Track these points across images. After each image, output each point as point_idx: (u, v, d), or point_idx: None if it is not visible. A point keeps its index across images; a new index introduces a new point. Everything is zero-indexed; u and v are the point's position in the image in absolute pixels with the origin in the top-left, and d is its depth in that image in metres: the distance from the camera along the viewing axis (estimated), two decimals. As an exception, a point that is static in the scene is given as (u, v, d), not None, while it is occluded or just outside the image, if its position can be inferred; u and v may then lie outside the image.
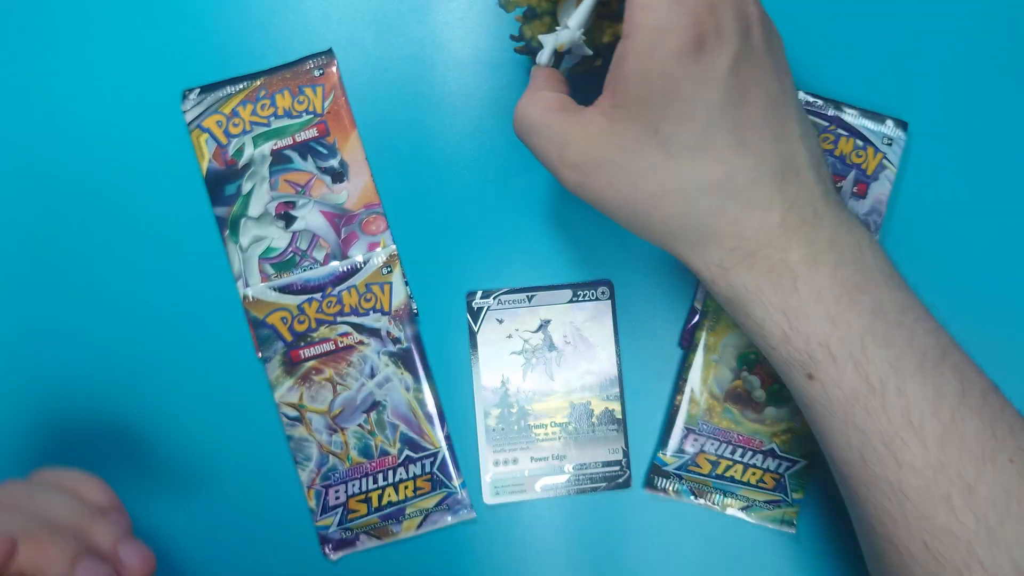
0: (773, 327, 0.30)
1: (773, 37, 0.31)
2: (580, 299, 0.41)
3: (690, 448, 0.40)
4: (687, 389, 0.40)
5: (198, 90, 0.42)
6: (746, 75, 0.29)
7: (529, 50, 0.37)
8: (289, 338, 0.41)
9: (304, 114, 0.42)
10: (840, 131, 0.41)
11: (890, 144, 0.41)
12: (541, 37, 0.34)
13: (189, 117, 0.42)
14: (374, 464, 0.40)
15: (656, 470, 0.40)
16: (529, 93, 0.33)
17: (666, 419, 0.41)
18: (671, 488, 0.40)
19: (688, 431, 0.40)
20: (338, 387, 0.40)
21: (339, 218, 0.41)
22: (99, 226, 0.41)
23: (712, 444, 0.40)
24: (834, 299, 0.29)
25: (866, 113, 0.41)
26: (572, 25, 0.33)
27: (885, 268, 0.30)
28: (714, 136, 0.29)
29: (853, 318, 0.29)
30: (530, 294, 0.41)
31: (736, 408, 0.40)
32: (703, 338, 0.40)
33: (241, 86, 0.42)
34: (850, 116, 0.41)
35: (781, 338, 0.30)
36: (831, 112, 0.41)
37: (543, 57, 0.35)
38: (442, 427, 0.41)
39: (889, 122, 0.41)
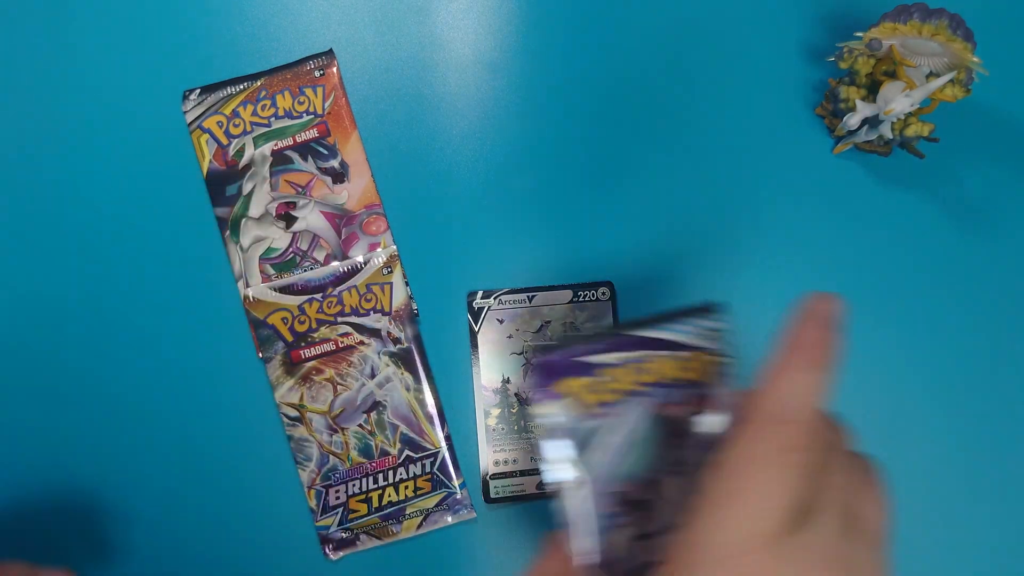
0: None
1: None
2: (581, 300, 0.41)
3: None
4: None
5: (199, 91, 0.42)
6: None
7: (835, 111, 0.41)
8: (290, 338, 0.41)
9: (305, 115, 0.42)
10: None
11: None
12: (858, 102, 0.39)
13: (190, 117, 0.42)
14: (374, 464, 0.40)
15: None
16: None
17: None
18: None
19: None
20: (338, 387, 0.40)
21: (340, 218, 0.41)
22: (100, 226, 0.41)
23: None
24: None
25: None
26: (897, 109, 0.37)
27: None
28: None
29: None
30: (531, 294, 0.41)
31: None
32: None
33: (242, 87, 0.42)
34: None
35: None
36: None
37: (852, 120, 0.39)
38: (442, 427, 0.41)
39: None
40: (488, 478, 0.40)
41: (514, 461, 0.41)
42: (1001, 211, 0.43)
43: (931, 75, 0.39)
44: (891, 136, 0.40)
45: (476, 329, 0.41)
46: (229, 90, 0.42)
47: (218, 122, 0.41)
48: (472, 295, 0.41)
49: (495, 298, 0.41)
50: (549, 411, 0.26)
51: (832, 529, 0.24)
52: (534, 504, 0.41)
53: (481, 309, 0.41)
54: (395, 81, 0.43)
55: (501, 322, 0.41)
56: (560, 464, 0.26)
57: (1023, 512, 0.41)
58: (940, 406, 0.41)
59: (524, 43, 0.43)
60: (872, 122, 0.40)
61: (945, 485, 0.41)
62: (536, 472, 0.41)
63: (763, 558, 0.23)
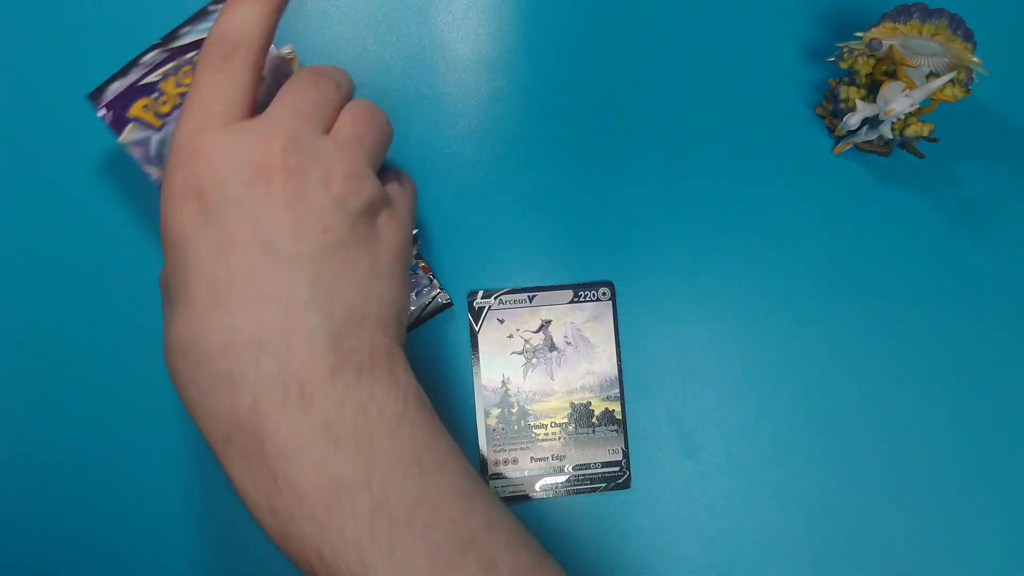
0: (269, 530, 0.26)
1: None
2: (581, 299, 0.41)
3: None
4: None
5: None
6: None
7: (835, 111, 0.41)
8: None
9: (304, 114, 0.42)
10: None
11: None
12: (858, 102, 0.39)
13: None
14: (374, 464, 0.40)
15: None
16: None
17: None
18: None
19: None
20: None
21: (339, 218, 0.41)
22: (101, 226, 0.41)
23: None
24: (321, 498, 0.25)
25: None
26: (898, 109, 0.37)
27: (405, 453, 0.26)
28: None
29: (346, 521, 0.25)
30: (531, 294, 0.41)
31: None
32: None
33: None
34: None
35: (281, 543, 0.26)
36: None
37: (852, 120, 0.39)
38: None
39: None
40: (488, 478, 0.40)
41: (514, 461, 0.41)
42: (1001, 211, 0.43)
43: (931, 75, 0.39)
44: (891, 136, 0.40)
45: (477, 329, 0.41)
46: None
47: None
48: (472, 295, 0.41)
49: (496, 298, 0.41)
50: (130, 135, 0.34)
51: (286, 119, 0.29)
52: (534, 504, 0.41)
53: (481, 309, 0.41)
54: (395, 81, 0.43)
55: (501, 322, 0.41)
56: (148, 167, 0.35)
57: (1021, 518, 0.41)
58: (940, 406, 0.41)
59: (524, 43, 0.43)
60: (872, 122, 0.40)
61: (946, 487, 0.41)
62: (537, 472, 0.41)
63: (215, 137, 0.27)
